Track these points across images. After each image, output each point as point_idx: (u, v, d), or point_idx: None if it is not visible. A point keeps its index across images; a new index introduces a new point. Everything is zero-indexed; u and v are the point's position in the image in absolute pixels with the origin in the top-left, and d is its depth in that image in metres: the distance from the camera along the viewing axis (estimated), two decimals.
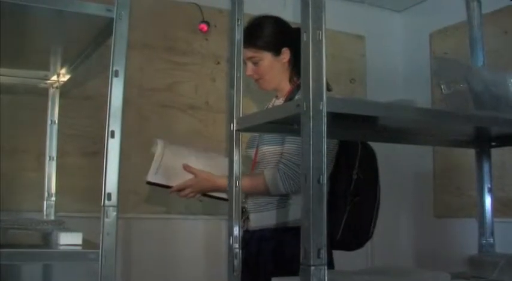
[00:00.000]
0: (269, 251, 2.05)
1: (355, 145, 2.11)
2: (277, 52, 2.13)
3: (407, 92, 3.83)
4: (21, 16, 1.44)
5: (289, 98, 2.11)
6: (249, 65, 2.14)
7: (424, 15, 3.88)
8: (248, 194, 2.11)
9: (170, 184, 2.12)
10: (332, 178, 2.03)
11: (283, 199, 2.06)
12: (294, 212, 2.03)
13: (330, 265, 1.96)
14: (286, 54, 2.14)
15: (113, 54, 1.35)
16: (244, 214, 2.11)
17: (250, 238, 2.08)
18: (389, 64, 3.95)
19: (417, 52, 3.89)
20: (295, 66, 2.14)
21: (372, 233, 2.12)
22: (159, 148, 2.13)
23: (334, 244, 2.02)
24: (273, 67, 2.14)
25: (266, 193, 2.04)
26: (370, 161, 2.13)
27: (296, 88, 2.10)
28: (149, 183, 2.13)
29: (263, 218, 2.08)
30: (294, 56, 2.13)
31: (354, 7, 3.84)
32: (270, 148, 2.09)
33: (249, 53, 2.10)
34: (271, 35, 2.12)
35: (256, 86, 2.21)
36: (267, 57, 2.12)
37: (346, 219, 2.04)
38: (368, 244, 2.18)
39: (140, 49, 3.05)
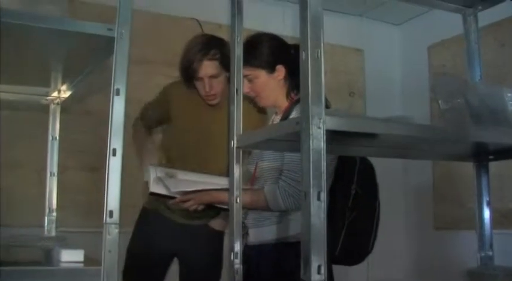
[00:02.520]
0: (269, 266, 2.06)
1: (353, 159, 2.11)
2: (271, 70, 2.12)
3: (406, 105, 3.85)
4: (24, 36, 1.45)
5: (287, 114, 2.11)
6: (245, 82, 2.14)
7: (422, 29, 3.90)
8: (248, 209, 2.11)
9: (172, 195, 2.24)
10: (330, 193, 2.02)
11: (283, 214, 2.06)
12: (294, 228, 2.02)
13: (330, 279, 1.96)
14: (281, 71, 2.13)
15: (114, 73, 1.35)
16: (244, 229, 2.11)
17: (249, 253, 2.07)
18: (388, 77, 3.97)
19: (415, 65, 3.91)
20: (291, 82, 2.14)
21: (372, 247, 2.13)
22: (151, 173, 2.22)
23: (334, 258, 2.03)
24: (268, 84, 2.13)
25: (266, 208, 2.05)
26: (368, 175, 2.14)
27: (294, 103, 2.11)
28: (153, 194, 2.28)
29: (263, 233, 2.09)
30: (289, 73, 2.13)
31: (353, 21, 3.87)
32: (268, 164, 2.09)
33: (244, 71, 2.10)
34: (265, 53, 2.12)
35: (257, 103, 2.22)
36: (261, 75, 2.12)
37: (345, 234, 2.05)
38: (368, 257, 2.18)
39: (140, 64, 3.06)
